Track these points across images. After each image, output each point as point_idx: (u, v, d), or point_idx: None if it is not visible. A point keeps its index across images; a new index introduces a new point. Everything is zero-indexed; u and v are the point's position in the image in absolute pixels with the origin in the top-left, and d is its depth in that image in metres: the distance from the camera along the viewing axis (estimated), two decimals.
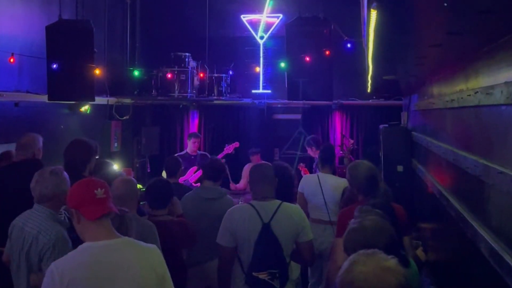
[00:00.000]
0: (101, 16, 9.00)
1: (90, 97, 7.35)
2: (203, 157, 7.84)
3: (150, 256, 2.67)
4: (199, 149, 8.32)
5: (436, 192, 4.30)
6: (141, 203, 4.72)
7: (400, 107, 8.64)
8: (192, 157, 7.81)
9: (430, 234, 5.00)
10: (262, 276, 3.60)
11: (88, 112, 8.30)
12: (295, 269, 4.16)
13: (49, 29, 6.92)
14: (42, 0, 7.40)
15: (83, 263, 2.50)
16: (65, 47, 6.90)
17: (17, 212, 3.49)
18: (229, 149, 8.10)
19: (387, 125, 6.95)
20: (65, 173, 3.54)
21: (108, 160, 5.62)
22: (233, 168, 8.36)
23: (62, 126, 7.68)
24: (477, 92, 2.82)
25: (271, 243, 3.62)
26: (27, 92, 6.90)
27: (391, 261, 1.83)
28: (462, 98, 3.26)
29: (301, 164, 7.77)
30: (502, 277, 2.27)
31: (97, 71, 7.52)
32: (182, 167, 5.96)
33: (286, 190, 4.36)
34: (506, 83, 2.29)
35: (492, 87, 2.53)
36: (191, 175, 7.59)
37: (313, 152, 7.58)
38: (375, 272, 1.78)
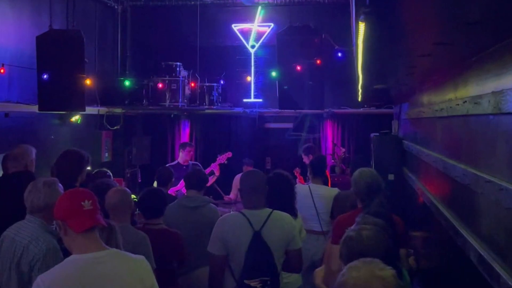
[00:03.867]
0: (91, 26, 9.00)
1: (80, 107, 7.33)
2: (195, 167, 7.82)
3: (138, 268, 2.65)
4: (191, 159, 8.30)
5: (426, 201, 4.32)
6: (135, 213, 4.72)
7: (391, 115, 8.68)
8: (184, 167, 7.78)
9: (421, 242, 5.02)
10: (254, 283, 3.59)
11: (78, 122, 8.28)
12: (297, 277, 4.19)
13: (40, 39, 6.91)
14: (33, 10, 7.39)
15: (70, 276, 2.47)
16: (55, 57, 6.89)
17: (8, 224, 3.46)
18: (221, 159, 8.09)
19: (378, 134, 6.99)
20: (59, 184, 3.51)
21: (106, 169, 5.62)
22: (224, 178, 8.34)
23: (52, 137, 7.66)
24: (466, 101, 2.85)
25: (263, 251, 3.62)
26: (17, 102, 6.88)
27: (387, 272, 1.84)
28: (451, 107, 3.29)
29: (297, 169, 7.75)
30: (491, 285, 2.28)
31: (88, 81, 7.51)
32: (173, 178, 5.94)
33: (287, 202, 4.37)
34: (493, 92, 2.32)
35: (480, 96, 2.56)
36: (184, 185, 7.55)
37: (308, 160, 7.58)
38: (366, 279, 1.81)
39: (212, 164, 7.87)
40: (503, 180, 2.22)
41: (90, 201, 2.59)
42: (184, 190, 7.48)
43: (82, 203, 2.56)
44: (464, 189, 2.88)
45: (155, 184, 6.19)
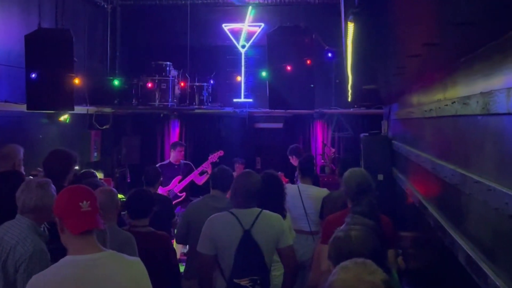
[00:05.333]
0: (81, 25, 8.95)
1: (69, 107, 7.29)
2: (186, 166, 7.80)
3: (134, 270, 2.63)
4: (182, 158, 8.28)
5: (415, 201, 4.34)
6: (122, 213, 4.69)
7: (380, 115, 8.71)
8: (176, 166, 7.76)
9: (410, 243, 5.03)
10: (244, 282, 3.59)
11: (67, 121, 8.23)
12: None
13: (28, 38, 6.87)
14: (21, 9, 7.34)
15: (66, 277, 2.43)
16: (44, 56, 6.85)
17: None
18: (213, 157, 8.07)
19: (367, 134, 7.00)
20: (52, 186, 3.47)
21: (92, 170, 5.58)
22: None
23: (41, 136, 7.61)
24: (454, 102, 2.86)
25: (252, 250, 3.63)
26: (6, 101, 6.83)
27: (376, 276, 1.81)
28: (440, 107, 3.30)
29: (280, 173, 7.76)
30: (479, 285, 2.29)
31: (77, 80, 7.46)
32: (161, 178, 5.91)
33: (276, 202, 4.35)
34: (482, 93, 2.33)
35: (468, 97, 2.56)
36: (176, 185, 7.54)
37: (294, 161, 7.61)
38: (353, 281, 1.80)
39: (204, 163, 7.85)
40: (491, 181, 2.22)
41: (89, 202, 2.52)
42: (176, 189, 7.49)
43: (80, 203, 2.50)
44: (453, 189, 2.89)
45: None
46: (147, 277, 2.69)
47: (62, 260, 2.52)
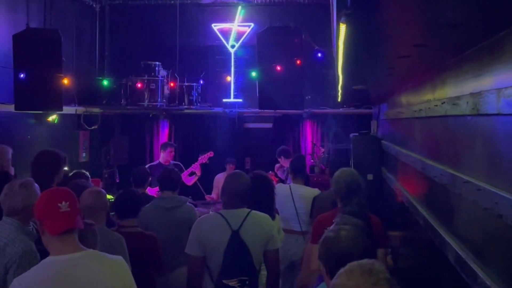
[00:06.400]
0: (69, 24, 8.90)
1: (57, 107, 7.25)
2: (176, 167, 7.76)
3: (116, 268, 2.63)
4: (172, 159, 8.25)
5: (405, 200, 4.36)
6: (110, 213, 4.67)
7: (370, 115, 8.74)
8: (166, 167, 7.74)
9: (399, 242, 5.06)
10: (232, 283, 3.59)
11: (55, 122, 8.18)
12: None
13: (16, 38, 6.82)
14: (9, 8, 7.27)
15: (47, 277, 2.43)
16: (32, 56, 6.81)
17: None
18: (203, 158, 8.06)
19: (357, 134, 7.03)
20: (35, 185, 3.46)
21: (84, 171, 5.55)
22: (205, 177, 8.32)
23: (29, 136, 7.55)
24: (444, 102, 2.88)
25: (241, 250, 3.62)
26: None
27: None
28: (429, 108, 3.32)
29: (270, 172, 7.78)
30: (469, 284, 2.30)
31: (65, 80, 7.42)
32: (151, 178, 5.90)
33: (265, 202, 4.35)
34: (471, 94, 2.34)
35: (458, 97, 2.58)
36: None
37: (283, 162, 7.64)
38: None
39: (194, 164, 7.83)
40: (481, 181, 2.24)
41: (68, 203, 2.54)
42: None
43: (59, 204, 2.51)
44: (442, 189, 2.90)
45: None
46: (129, 276, 2.69)
47: (43, 261, 2.52)
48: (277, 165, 8.02)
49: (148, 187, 6.17)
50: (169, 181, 4.94)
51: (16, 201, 3.30)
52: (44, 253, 2.68)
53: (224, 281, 3.59)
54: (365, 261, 1.89)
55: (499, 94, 1.97)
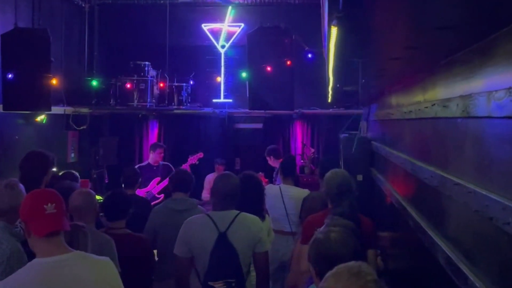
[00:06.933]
0: (58, 24, 8.83)
1: (46, 107, 7.20)
2: (165, 168, 7.75)
3: (103, 269, 2.62)
4: (161, 160, 8.22)
5: (394, 202, 4.36)
6: (100, 214, 4.64)
7: (360, 116, 8.75)
8: (155, 167, 7.71)
9: (389, 243, 5.07)
10: (218, 285, 3.58)
11: (44, 122, 8.11)
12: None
13: (5, 38, 6.76)
14: None
15: (34, 280, 2.41)
16: (20, 56, 6.76)
17: None
18: (193, 159, 8.04)
19: (347, 134, 7.03)
20: (20, 185, 3.44)
21: (73, 171, 5.51)
22: (194, 178, 8.28)
23: (17, 137, 7.48)
24: (434, 104, 2.88)
25: (228, 252, 3.62)
26: None
27: None
28: (419, 109, 3.32)
29: (260, 173, 7.76)
30: (459, 286, 2.31)
31: (54, 81, 7.37)
32: (141, 179, 5.86)
33: (255, 203, 4.34)
34: (461, 96, 2.35)
35: (448, 100, 2.58)
36: (154, 186, 7.48)
37: (272, 162, 7.63)
38: None
39: (183, 165, 7.81)
40: (471, 183, 2.24)
41: (54, 204, 2.52)
42: (154, 191, 7.44)
43: (45, 206, 2.49)
44: (432, 191, 2.91)
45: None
46: (117, 276, 2.67)
47: (29, 264, 2.50)
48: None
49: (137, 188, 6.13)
50: (181, 182, 4.77)
51: (2, 202, 3.27)
52: (30, 255, 2.66)
53: (210, 283, 3.58)
54: (352, 263, 1.89)
55: (490, 97, 1.98)
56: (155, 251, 4.58)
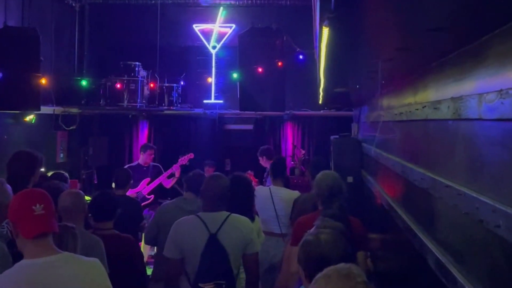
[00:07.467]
0: (48, 23, 8.77)
1: (35, 107, 7.16)
2: (155, 169, 7.70)
3: (92, 270, 2.59)
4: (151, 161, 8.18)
5: (384, 203, 4.36)
6: (89, 215, 4.60)
7: (351, 118, 8.77)
8: (145, 168, 7.66)
9: (379, 245, 5.07)
10: (209, 287, 3.56)
11: (33, 122, 8.05)
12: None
13: None
14: None
15: (21, 281, 2.37)
16: (10, 55, 6.72)
17: None
18: (183, 160, 8.00)
19: (338, 136, 7.04)
20: (7, 185, 3.40)
21: (63, 172, 5.47)
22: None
23: (5, 137, 7.42)
24: (425, 106, 2.88)
25: (218, 254, 3.60)
26: None
27: None
28: (410, 111, 3.32)
29: (249, 171, 7.74)
30: None
31: (43, 80, 7.32)
32: (132, 180, 5.82)
33: (245, 204, 4.32)
34: (452, 98, 2.34)
35: (439, 102, 2.58)
36: (144, 187, 7.45)
37: (264, 162, 7.61)
38: None
39: (174, 165, 7.77)
40: (462, 185, 2.24)
41: (42, 205, 2.47)
42: (144, 192, 7.40)
43: (33, 207, 2.45)
44: (423, 193, 2.91)
45: (114, 185, 6.05)
46: (105, 277, 2.65)
47: (16, 265, 2.46)
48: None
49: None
50: (195, 183, 4.67)
51: None
52: (16, 256, 2.63)
53: (200, 284, 3.57)
54: (342, 265, 1.88)
55: (481, 99, 1.98)
56: (155, 248, 4.52)
